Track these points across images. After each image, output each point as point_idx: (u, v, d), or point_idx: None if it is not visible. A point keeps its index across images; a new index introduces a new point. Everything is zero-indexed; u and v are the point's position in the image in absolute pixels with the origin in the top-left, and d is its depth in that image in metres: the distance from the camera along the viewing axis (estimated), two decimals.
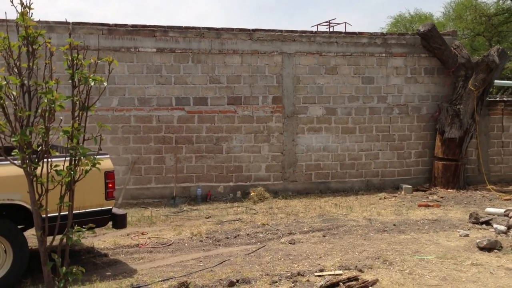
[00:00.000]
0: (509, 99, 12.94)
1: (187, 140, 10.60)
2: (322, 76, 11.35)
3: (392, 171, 11.87)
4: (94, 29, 9.90)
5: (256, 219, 8.54)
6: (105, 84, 3.81)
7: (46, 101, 3.63)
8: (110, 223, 5.98)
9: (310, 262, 5.91)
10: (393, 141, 11.83)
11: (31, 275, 5.26)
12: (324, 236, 7.28)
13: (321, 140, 11.39)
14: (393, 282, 5.10)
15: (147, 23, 10.41)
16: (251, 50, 10.89)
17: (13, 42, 3.68)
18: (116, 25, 10.15)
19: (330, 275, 5.31)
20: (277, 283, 5.13)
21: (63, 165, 3.80)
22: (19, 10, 3.62)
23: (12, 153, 3.75)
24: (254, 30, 10.94)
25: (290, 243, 6.89)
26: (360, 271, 5.47)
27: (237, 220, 8.49)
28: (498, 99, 13.02)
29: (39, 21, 4.33)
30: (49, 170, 3.76)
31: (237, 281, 5.17)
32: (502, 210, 8.35)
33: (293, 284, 5.08)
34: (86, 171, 3.88)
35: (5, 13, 3.86)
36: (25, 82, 3.74)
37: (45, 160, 3.79)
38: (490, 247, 6.34)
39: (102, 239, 7.21)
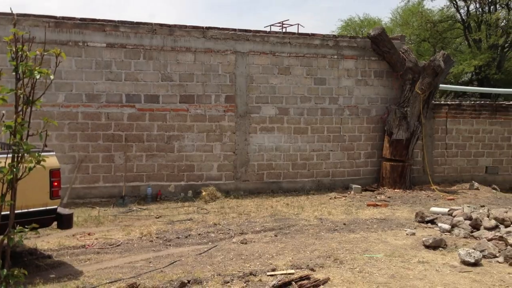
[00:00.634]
0: (453, 102, 13.48)
1: (137, 138, 10.36)
2: (275, 76, 11.40)
3: (342, 171, 12.08)
4: (40, 21, 9.49)
5: (207, 219, 8.45)
6: (52, 77, 3.63)
7: None
8: (55, 223, 5.75)
9: (262, 262, 5.90)
10: (344, 142, 12.05)
11: None
12: (276, 236, 7.30)
13: (274, 140, 11.44)
14: (344, 281, 5.17)
15: (96, 17, 10.08)
16: (204, 48, 10.78)
17: None
18: (63, 18, 9.78)
19: (282, 274, 5.31)
20: (229, 283, 5.08)
21: (5, 162, 3.60)
22: None
23: None
24: (208, 28, 10.83)
25: (242, 243, 6.86)
26: (312, 270, 5.51)
27: (188, 220, 8.37)
28: (442, 102, 13.56)
29: None
30: None
31: (189, 281, 5.09)
32: (446, 210, 8.67)
33: (245, 284, 5.04)
34: (30, 169, 3.68)
35: None
36: None
37: None
38: (435, 245, 6.55)
39: (46, 240, 6.91)
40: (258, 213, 9.06)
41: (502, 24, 23.28)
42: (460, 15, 25.26)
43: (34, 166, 3.69)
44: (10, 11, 7.79)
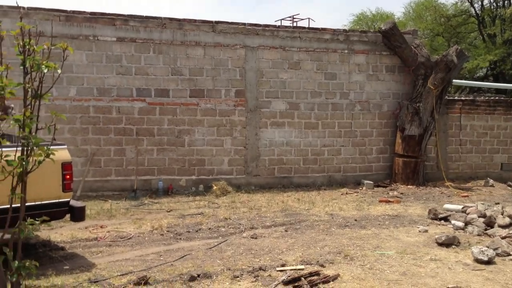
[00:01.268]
0: (467, 98, 13.30)
1: (148, 132, 10.38)
2: (285, 71, 11.34)
3: (354, 167, 12.00)
4: (51, 15, 9.52)
5: (218, 213, 8.44)
6: (59, 71, 3.63)
7: None
8: (68, 216, 5.78)
9: (272, 257, 5.87)
10: (355, 137, 11.96)
11: None
12: (286, 231, 7.27)
13: (284, 135, 11.39)
14: (354, 277, 5.12)
15: (106, 11, 10.10)
16: (214, 43, 10.75)
17: None
18: (74, 11, 9.80)
19: (292, 270, 5.28)
20: (238, 278, 5.07)
21: (15, 156, 3.61)
22: None
23: None
24: (217, 22, 10.80)
25: (252, 238, 6.84)
26: (322, 266, 5.47)
27: (199, 214, 8.37)
28: (456, 98, 13.37)
29: None
30: None
31: (198, 275, 5.08)
32: (459, 207, 8.56)
33: (254, 279, 5.02)
34: (40, 162, 3.70)
35: None
36: None
37: None
38: (448, 243, 6.47)
39: (59, 232, 6.95)
40: (268, 208, 9.04)
41: None
42: (474, 9, 24.90)
43: (44, 159, 3.71)
44: (19, 5, 7.74)
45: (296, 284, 4.82)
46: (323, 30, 11.64)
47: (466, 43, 25.57)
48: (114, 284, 4.80)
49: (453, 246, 6.44)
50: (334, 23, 60.23)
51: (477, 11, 24.87)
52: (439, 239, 6.54)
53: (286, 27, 12.07)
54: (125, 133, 10.23)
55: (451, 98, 13.15)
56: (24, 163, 3.60)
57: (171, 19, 10.44)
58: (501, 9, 23.14)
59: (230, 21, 10.93)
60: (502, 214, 7.62)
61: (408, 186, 11.60)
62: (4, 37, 3.59)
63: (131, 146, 10.25)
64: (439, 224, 7.82)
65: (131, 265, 5.55)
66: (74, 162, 5.96)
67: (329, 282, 4.92)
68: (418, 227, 7.45)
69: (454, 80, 13.58)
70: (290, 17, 19.28)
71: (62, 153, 5.29)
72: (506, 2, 23.83)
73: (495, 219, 7.48)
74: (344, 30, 12.08)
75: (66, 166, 5.41)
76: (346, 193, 10.71)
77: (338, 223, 7.84)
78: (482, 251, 5.78)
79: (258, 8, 64.32)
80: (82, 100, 9.90)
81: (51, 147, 3.79)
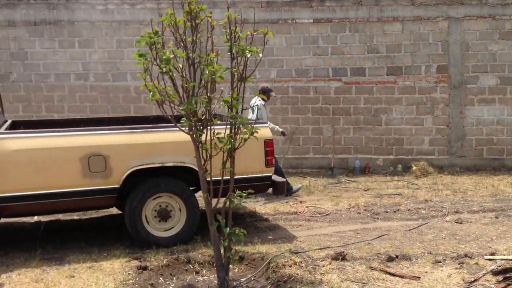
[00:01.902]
0: None
1: (344, 111, 10.42)
2: (495, 42, 10.14)
3: None
4: (254, 2, 10.14)
5: (418, 195, 8.08)
6: (260, 55, 3.87)
7: (207, 72, 3.82)
8: (270, 190, 6.18)
9: (480, 244, 5.40)
10: None
11: (201, 233, 5.68)
12: (496, 218, 6.58)
13: (494, 112, 10.24)
14: None
15: None
16: (413, 16, 10.17)
17: (178, 18, 3.93)
18: None
19: (503, 259, 4.77)
20: (440, 263, 4.78)
21: (224, 133, 4.00)
22: None
23: (181, 121, 4.05)
24: None
25: (457, 222, 6.37)
26: None
27: (397, 195, 8.13)
28: None
29: None
30: (212, 138, 3.98)
31: (397, 256, 4.95)
32: None
33: (459, 266, 4.69)
34: (245, 139, 4.03)
35: None
36: (190, 55, 3.98)
37: (209, 128, 4.02)
38: None
39: (263, 205, 7.51)
40: (476, 191, 8.30)
41: None
42: None
43: (248, 137, 4.03)
44: None
45: (508, 275, 4.35)
46: None
47: None
48: (313, 257, 4.98)
49: None
50: None
51: None
52: None
53: None
54: (322, 112, 10.44)
55: None
56: (232, 140, 3.96)
57: None
58: None
59: None
60: None
61: None
62: (214, 26, 3.95)
63: (328, 125, 10.42)
64: None
65: (328, 240, 5.69)
66: (275, 140, 6.34)
67: None
68: None
69: None
70: None
71: (264, 131, 5.66)
72: None
73: None
74: None
75: (268, 143, 5.76)
76: None
77: None
78: None
79: None
80: (282, 81, 10.42)
81: (255, 125, 4.09)
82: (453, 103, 10.26)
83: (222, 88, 4.31)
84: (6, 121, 6.53)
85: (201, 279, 4.59)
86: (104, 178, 5.18)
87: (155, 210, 5.51)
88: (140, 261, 4.90)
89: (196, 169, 4.34)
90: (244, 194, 4.04)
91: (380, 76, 10.33)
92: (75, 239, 5.87)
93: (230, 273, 4.34)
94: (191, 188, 5.72)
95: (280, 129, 8.33)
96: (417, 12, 10.16)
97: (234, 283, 4.33)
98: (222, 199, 4.18)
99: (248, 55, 3.86)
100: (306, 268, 4.61)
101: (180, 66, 3.97)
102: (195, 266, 4.86)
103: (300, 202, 7.76)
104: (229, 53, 3.96)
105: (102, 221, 6.85)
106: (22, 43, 9.97)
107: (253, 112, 7.58)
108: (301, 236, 5.89)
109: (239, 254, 4.92)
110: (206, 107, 3.97)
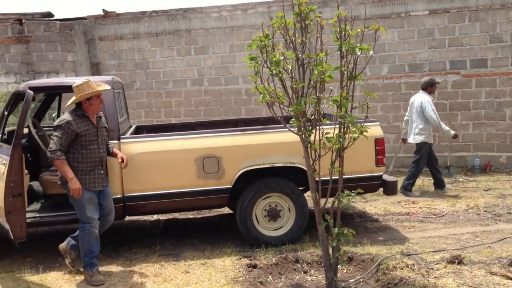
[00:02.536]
0: None
1: (462, 106, 9.82)
2: None
3: None
4: None
5: None
6: (371, 52, 3.81)
7: (316, 72, 3.86)
8: (381, 189, 6.06)
9: None
10: None
11: (309, 233, 5.76)
12: None
13: None
14: None
15: None
16: None
17: (288, 20, 4.02)
18: None
19: None
20: None
21: (333, 133, 4.02)
22: None
23: (290, 122, 4.15)
24: None
25: None
26: None
27: None
28: None
29: None
30: (321, 137, 4.02)
31: None
32: None
33: None
34: (354, 139, 4.01)
35: None
36: (300, 56, 4.05)
37: (318, 128, 4.06)
38: None
39: (373, 205, 7.37)
40: None
41: None
42: None
43: (358, 136, 4.00)
44: None
45: None
46: None
47: None
48: (426, 260, 4.82)
49: None
50: None
51: None
52: None
53: None
54: (438, 108, 9.85)
55: None
56: (341, 139, 3.97)
57: None
58: None
59: None
60: None
61: None
62: (323, 26, 3.98)
63: (445, 121, 9.82)
64: None
65: (444, 242, 5.45)
66: (386, 138, 6.17)
67: None
68: None
69: None
70: None
71: (375, 130, 5.56)
72: None
73: None
74: None
75: (379, 142, 5.65)
76: None
77: None
78: None
79: None
80: (394, 77, 10.09)
81: (365, 124, 4.05)
82: None
83: (331, 87, 4.32)
84: (131, 126, 7.07)
85: (309, 278, 4.65)
86: (217, 179, 5.44)
87: (265, 210, 5.66)
88: (250, 259, 5.07)
89: (305, 169, 4.40)
90: (353, 194, 4.03)
91: (504, 67, 9.58)
92: (190, 237, 6.23)
93: (339, 274, 4.34)
94: (300, 188, 5.80)
95: (452, 132, 8.02)
96: None
97: (343, 284, 4.33)
98: (331, 199, 4.21)
99: (358, 53, 3.83)
100: (418, 271, 4.47)
101: (290, 67, 4.06)
102: (303, 265, 4.93)
103: (413, 202, 7.48)
104: (338, 52, 3.95)
105: (215, 220, 7.16)
106: (145, 53, 10.80)
107: (425, 111, 7.60)
108: (414, 238, 5.70)
109: (348, 255, 4.90)
110: (315, 107, 4.01)
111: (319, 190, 4.13)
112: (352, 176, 5.19)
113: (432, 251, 5.09)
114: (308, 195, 5.90)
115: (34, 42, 10.86)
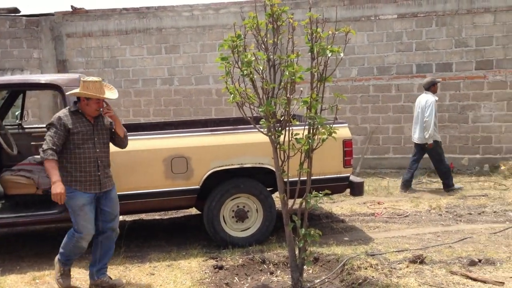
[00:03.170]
0: None
1: None
2: None
3: None
4: (336, 0, 10.06)
5: (505, 196, 7.66)
6: (341, 54, 3.86)
7: (287, 73, 3.89)
8: (348, 190, 6.14)
9: None
10: None
11: (276, 233, 5.79)
12: None
13: None
14: None
15: None
16: (506, 7, 9.57)
17: (260, 21, 4.02)
18: None
19: None
20: None
21: (303, 134, 4.06)
22: None
23: (260, 122, 4.16)
24: None
25: None
26: None
27: (483, 196, 7.76)
28: None
29: None
30: (290, 138, 4.05)
31: (479, 260, 4.77)
32: None
33: None
34: (323, 140, 4.06)
35: None
36: (271, 57, 4.07)
37: (287, 129, 4.09)
38: None
39: (340, 206, 7.48)
40: None
41: None
42: None
43: (327, 137, 4.05)
44: None
45: None
46: None
47: None
48: (389, 260, 4.92)
49: None
50: None
51: None
52: None
53: None
54: (404, 110, 10.16)
55: None
56: (310, 141, 4.01)
57: None
58: None
59: None
60: None
61: None
62: (295, 27, 4.00)
63: (410, 123, 10.10)
64: None
65: (407, 242, 5.58)
66: (354, 140, 6.26)
67: None
68: None
69: None
70: None
71: (343, 131, 5.63)
72: None
73: None
74: None
75: (347, 143, 5.72)
76: None
77: None
78: None
79: None
80: (363, 79, 10.25)
81: (333, 125, 4.10)
82: None
83: (301, 88, 4.35)
84: None
85: (275, 279, 4.67)
86: (185, 179, 5.40)
87: (233, 211, 5.66)
88: (217, 261, 5.06)
89: (274, 169, 4.43)
90: (321, 195, 4.07)
91: (468, 71, 9.87)
92: (156, 238, 6.18)
93: (304, 274, 4.38)
94: (268, 189, 5.82)
95: (431, 141, 8.05)
96: (511, 2, 9.57)
97: (308, 284, 4.37)
98: (299, 200, 4.24)
99: (329, 55, 3.87)
100: (382, 270, 4.57)
101: (261, 68, 4.07)
102: (269, 266, 4.95)
103: (378, 203, 7.63)
104: (309, 54, 3.99)
105: (182, 221, 7.12)
106: (114, 51, 10.64)
107: (426, 109, 7.72)
108: (378, 238, 5.82)
109: (314, 255, 4.96)
110: (285, 108, 4.04)
111: (287, 191, 4.16)
112: (320, 177, 5.23)
113: (395, 251, 5.21)
114: (276, 196, 5.96)
115: None
